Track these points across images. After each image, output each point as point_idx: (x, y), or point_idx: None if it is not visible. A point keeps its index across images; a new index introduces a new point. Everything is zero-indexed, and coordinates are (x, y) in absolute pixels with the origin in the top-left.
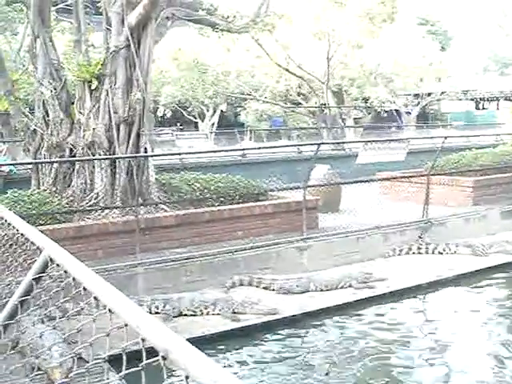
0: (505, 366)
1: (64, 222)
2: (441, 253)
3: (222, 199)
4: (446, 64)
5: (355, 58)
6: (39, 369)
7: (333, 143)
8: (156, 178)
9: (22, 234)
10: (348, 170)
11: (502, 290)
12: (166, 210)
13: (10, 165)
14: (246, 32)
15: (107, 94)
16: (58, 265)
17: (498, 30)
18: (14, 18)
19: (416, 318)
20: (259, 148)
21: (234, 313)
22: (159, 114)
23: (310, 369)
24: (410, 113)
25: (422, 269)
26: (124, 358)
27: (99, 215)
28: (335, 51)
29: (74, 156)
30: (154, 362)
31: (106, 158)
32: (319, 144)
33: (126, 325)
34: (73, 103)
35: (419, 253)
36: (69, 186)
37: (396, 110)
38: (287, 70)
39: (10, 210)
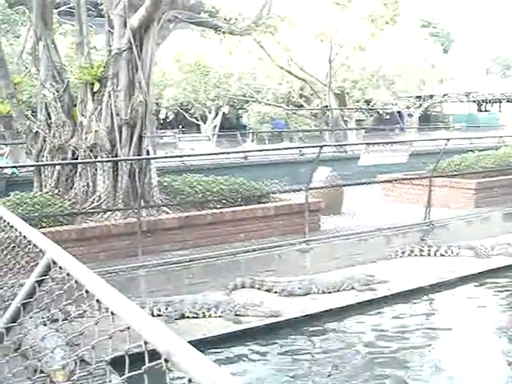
0: (508, 368)
1: (66, 224)
2: (443, 255)
3: (224, 201)
4: (448, 66)
5: (357, 60)
6: (42, 371)
7: (335, 145)
8: (158, 181)
9: (24, 237)
10: (350, 172)
11: (505, 293)
12: (168, 213)
13: (13, 167)
14: (248, 34)
15: (109, 97)
16: (60, 267)
17: (501, 31)
18: (17, 20)
19: (418, 320)
20: (261, 150)
21: (236, 315)
22: (161, 116)
23: (312, 371)
24: (412, 115)
25: (425, 271)
26: (127, 360)
27: (101, 217)
28: (337, 53)
29: (77, 158)
30: (156, 364)
31: (109, 161)
32: (321, 146)
33: (129, 327)
34: (75, 105)
35: (421, 255)
36: (71, 188)
37: (398, 112)
38: (289, 72)
39: (12, 212)
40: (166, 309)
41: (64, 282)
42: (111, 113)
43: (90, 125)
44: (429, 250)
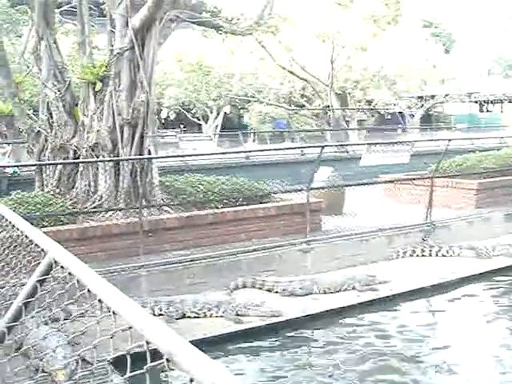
0: (510, 370)
1: (68, 223)
2: (444, 255)
3: (225, 201)
4: (449, 66)
5: (359, 60)
6: (43, 371)
7: (336, 145)
8: (160, 180)
9: (26, 236)
10: (351, 173)
11: (506, 293)
12: (169, 212)
13: (14, 166)
14: (250, 34)
15: (111, 96)
16: (62, 267)
17: (503, 32)
18: (19, 19)
19: (420, 320)
20: (263, 150)
21: (237, 315)
22: (163, 115)
23: (313, 371)
24: (413, 115)
25: (426, 271)
26: (129, 360)
27: (103, 217)
28: (339, 53)
29: (78, 158)
30: (158, 364)
31: (110, 160)
32: (323, 146)
33: (131, 327)
34: (77, 105)
35: (423, 255)
36: (72, 187)
37: (400, 113)
38: (291, 72)
39: (13, 211)
40: (167, 308)
41: (66, 282)
42: (113, 112)
43: (91, 124)
44: (430, 251)
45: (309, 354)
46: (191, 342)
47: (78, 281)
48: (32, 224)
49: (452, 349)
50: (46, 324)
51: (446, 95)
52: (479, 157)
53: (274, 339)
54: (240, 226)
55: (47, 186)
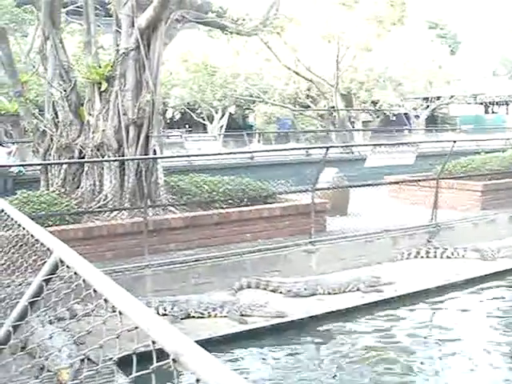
0: None
1: (73, 223)
2: (449, 257)
3: (230, 201)
4: (455, 68)
5: (364, 61)
6: (48, 370)
7: (341, 146)
8: (165, 180)
9: (31, 235)
10: (356, 174)
11: (511, 295)
12: (174, 212)
13: (20, 166)
14: (255, 34)
15: (117, 96)
16: (68, 266)
17: (508, 33)
18: (25, 19)
19: (424, 322)
20: (268, 151)
21: (242, 315)
22: (168, 115)
23: (317, 371)
24: (418, 116)
25: (431, 273)
26: (134, 360)
27: (108, 217)
28: (344, 54)
29: (83, 157)
30: (164, 364)
31: (115, 160)
32: (328, 147)
33: (137, 327)
34: (82, 105)
35: (427, 257)
36: (78, 187)
37: (405, 114)
38: (296, 72)
39: (19, 210)
40: (172, 308)
41: (71, 281)
42: (118, 112)
43: (97, 124)
44: (435, 252)
45: (313, 355)
46: (196, 342)
47: (83, 280)
48: (37, 223)
49: (457, 350)
50: (52, 323)
51: (452, 96)
52: (484, 158)
53: (279, 340)
54: (245, 227)
55: (52, 186)
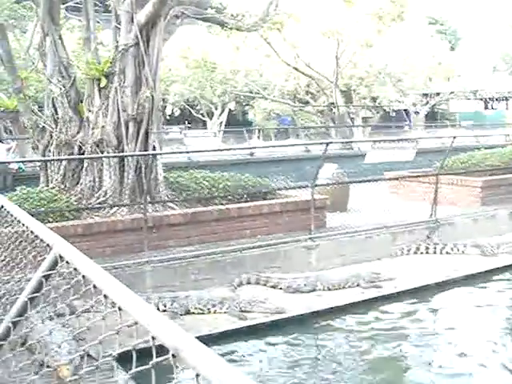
0: None
1: (72, 219)
2: (449, 253)
3: (230, 198)
4: (455, 63)
5: (364, 57)
6: (48, 366)
7: (341, 142)
8: (164, 176)
9: (31, 231)
10: (356, 170)
11: (511, 291)
12: (173, 208)
13: (19, 162)
14: (255, 31)
15: (116, 92)
16: (67, 262)
17: (508, 29)
18: (24, 15)
19: (424, 318)
20: (267, 147)
21: (242, 311)
22: (168, 112)
23: (316, 368)
24: (418, 112)
25: (430, 269)
26: (134, 356)
27: (107, 213)
28: (344, 50)
29: (83, 154)
30: (163, 360)
31: (115, 156)
32: (328, 143)
33: (136, 323)
34: (82, 101)
35: (427, 253)
36: (77, 183)
37: (405, 110)
38: (296, 68)
39: (19, 206)
40: (172, 304)
41: (71, 277)
42: (118, 108)
43: (96, 120)
44: (435, 248)
45: (312, 351)
46: (196, 338)
47: (83, 276)
48: (37, 219)
49: (457, 347)
50: (51, 319)
51: (451, 92)
52: (484, 154)
53: (278, 336)
54: (244, 223)
55: (52, 182)
